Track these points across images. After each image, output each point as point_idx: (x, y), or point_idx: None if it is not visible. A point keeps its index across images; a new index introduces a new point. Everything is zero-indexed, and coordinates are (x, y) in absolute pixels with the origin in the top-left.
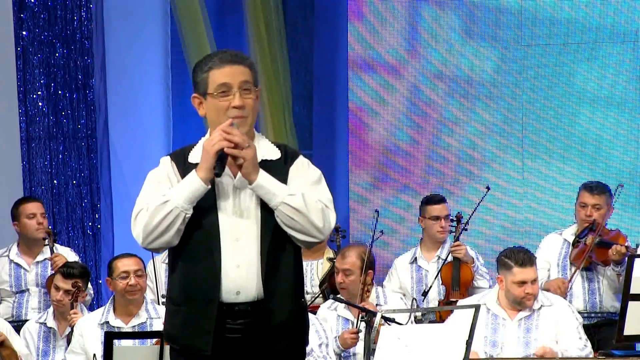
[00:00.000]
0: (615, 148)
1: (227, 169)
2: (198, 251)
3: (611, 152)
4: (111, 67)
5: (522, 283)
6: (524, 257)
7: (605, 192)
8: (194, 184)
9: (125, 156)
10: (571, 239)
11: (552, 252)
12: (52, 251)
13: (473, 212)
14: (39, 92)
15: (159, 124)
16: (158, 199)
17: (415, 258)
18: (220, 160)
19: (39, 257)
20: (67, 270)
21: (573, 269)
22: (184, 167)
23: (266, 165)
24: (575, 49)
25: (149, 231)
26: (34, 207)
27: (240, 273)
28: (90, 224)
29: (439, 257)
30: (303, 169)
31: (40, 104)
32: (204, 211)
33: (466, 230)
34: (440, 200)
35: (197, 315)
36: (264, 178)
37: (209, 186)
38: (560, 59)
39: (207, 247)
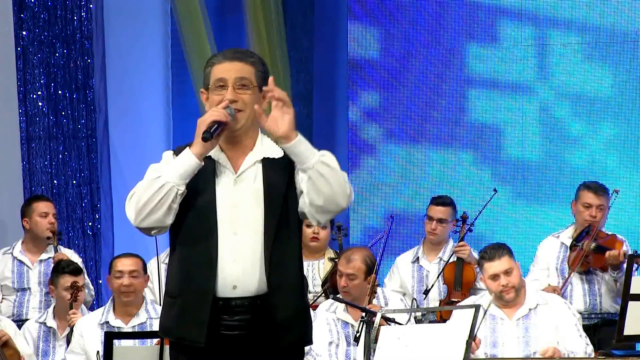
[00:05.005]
0: (615, 148)
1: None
2: (195, 244)
3: (611, 152)
4: (111, 67)
5: (495, 277)
6: (491, 251)
7: (606, 192)
8: (187, 159)
9: (125, 156)
10: (568, 242)
11: (550, 256)
12: (55, 250)
13: (479, 213)
14: (39, 92)
15: (159, 124)
16: (152, 176)
17: (418, 258)
18: (213, 127)
19: (43, 256)
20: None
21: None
22: None
23: (269, 163)
24: (576, 49)
25: (140, 207)
26: (46, 207)
27: (237, 267)
28: (90, 224)
29: (441, 259)
30: None
31: (40, 104)
32: (203, 203)
33: (471, 231)
34: (442, 202)
35: (192, 307)
36: (301, 137)
37: (202, 163)
38: (561, 59)
39: (204, 240)
